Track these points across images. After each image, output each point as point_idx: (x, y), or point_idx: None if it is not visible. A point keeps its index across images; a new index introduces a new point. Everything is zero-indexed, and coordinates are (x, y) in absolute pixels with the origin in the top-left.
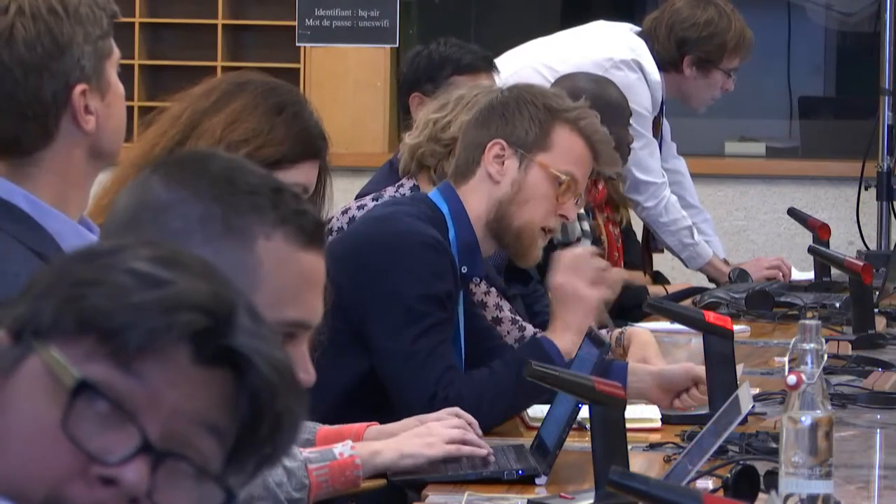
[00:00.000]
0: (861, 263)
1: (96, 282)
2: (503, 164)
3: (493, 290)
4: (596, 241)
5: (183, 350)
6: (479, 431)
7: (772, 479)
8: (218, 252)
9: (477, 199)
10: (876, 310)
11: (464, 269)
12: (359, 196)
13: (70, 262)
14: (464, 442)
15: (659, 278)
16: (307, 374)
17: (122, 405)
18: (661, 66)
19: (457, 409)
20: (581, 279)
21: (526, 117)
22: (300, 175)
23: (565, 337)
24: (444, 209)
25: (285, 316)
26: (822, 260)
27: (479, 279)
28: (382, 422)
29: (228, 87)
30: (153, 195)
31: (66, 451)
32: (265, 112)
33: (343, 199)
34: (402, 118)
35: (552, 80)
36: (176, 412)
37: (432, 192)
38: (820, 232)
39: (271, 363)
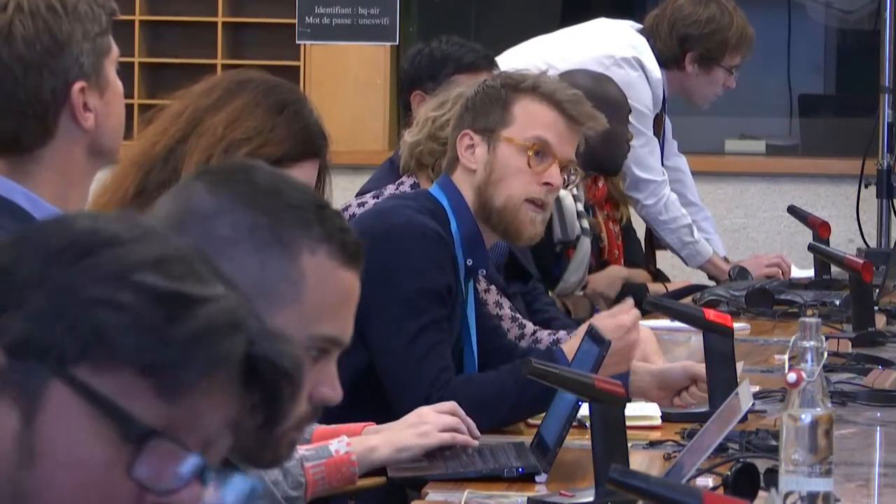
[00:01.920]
0: (861, 261)
1: (113, 305)
2: (474, 152)
3: (492, 287)
4: (596, 239)
5: (224, 374)
6: (477, 433)
7: (772, 477)
8: (264, 262)
9: (463, 192)
10: (876, 307)
11: (469, 262)
12: (359, 194)
13: (62, 263)
14: (457, 432)
15: (659, 276)
16: (335, 391)
17: (175, 438)
18: (663, 64)
19: (453, 404)
20: (629, 339)
21: (486, 101)
22: (301, 173)
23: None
24: (445, 202)
25: (322, 331)
26: (822, 258)
27: (487, 270)
28: (381, 418)
29: (229, 85)
30: (200, 202)
31: (122, 488)
32: (266, 111)
33: (343, 196)
34: (402, 116)
35: None
36: (215, 427)
37: (432, 187)
38: (820, 230)
39: (286, 358)
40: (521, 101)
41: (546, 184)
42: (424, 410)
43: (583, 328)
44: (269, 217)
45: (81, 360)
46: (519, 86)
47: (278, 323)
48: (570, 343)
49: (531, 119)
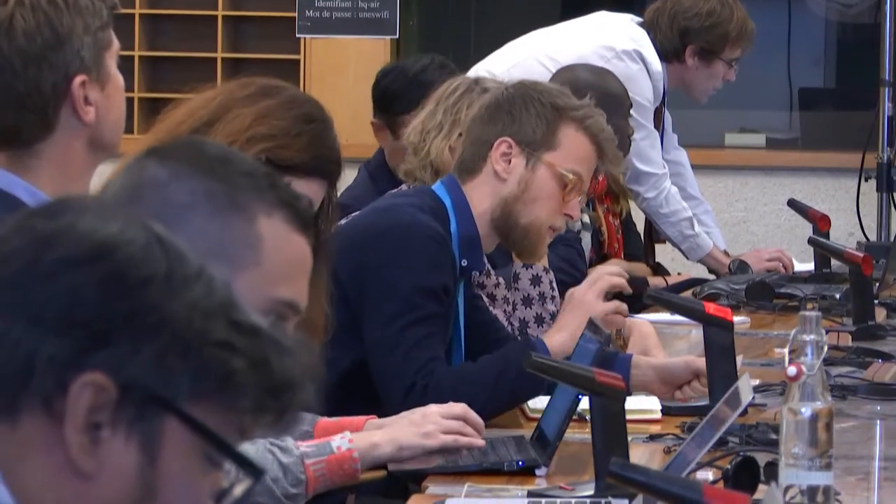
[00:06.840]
0: (861, 254)
1: (235, 349)
2: (510, 161)
3: (501, 280)
4: (596, 233)
5: None
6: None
7: (772, 471)
8: (223, 226)
9: (482, 195)
10: (876, 301)
11: (464, 262)
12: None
13: (156, 295)
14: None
15: (659, 270)
16: None
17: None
18: (664, 57)
19: (463, 406)
20: (593, 289)
21: (533, 115)
22: (308, 189)
23: (557, 337)
24: (447, 201)
25: (280, 294)
26: (822, 251)
27: (480, 272)
28: (373, 412)
29: (266, 85)
30: (152, 174)
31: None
32: (296, 116)
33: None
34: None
35: (554, 71)
36: None
37: (436, 185)
38: (820, 223)
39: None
40: (568, 129)
41: (567, 214)
42: (430, 410)
43: (566, 305)
44: (222, 183)
45: (199, 399)
46: (568, 111)
47: (239, 286)
48: (551, 333)
49: (575, 151)
